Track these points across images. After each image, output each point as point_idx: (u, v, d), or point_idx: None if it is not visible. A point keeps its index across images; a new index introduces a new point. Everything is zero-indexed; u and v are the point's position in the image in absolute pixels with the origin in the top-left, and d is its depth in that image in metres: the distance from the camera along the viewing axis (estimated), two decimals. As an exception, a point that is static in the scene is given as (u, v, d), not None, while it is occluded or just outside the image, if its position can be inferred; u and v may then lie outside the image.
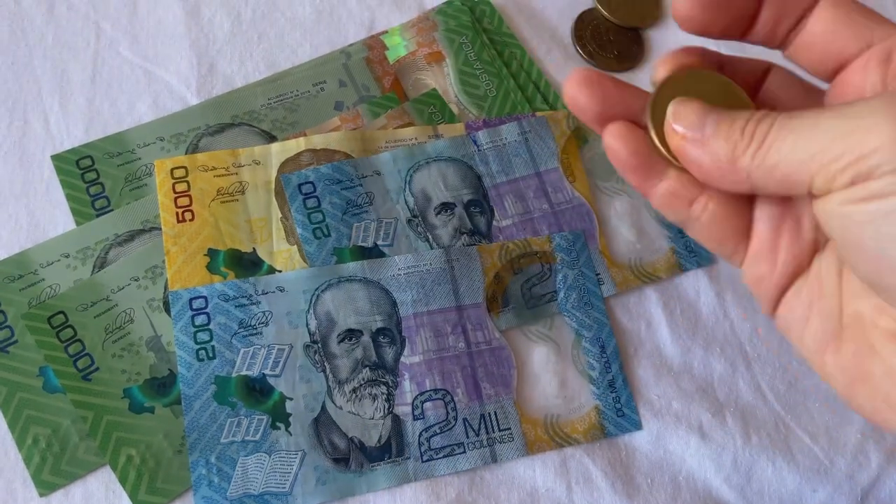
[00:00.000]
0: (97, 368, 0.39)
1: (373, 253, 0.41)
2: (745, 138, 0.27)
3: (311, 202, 0.41)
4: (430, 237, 0.42)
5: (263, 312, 0.39)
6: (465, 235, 0.42)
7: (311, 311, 0.40)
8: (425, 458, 0.38)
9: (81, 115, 0.45)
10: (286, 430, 0.38)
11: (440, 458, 0.38)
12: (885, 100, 0.25)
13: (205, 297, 0.39)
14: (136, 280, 0.40)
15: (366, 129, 0.45)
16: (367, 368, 0.39)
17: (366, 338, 0.40)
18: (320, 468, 0.37)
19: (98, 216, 0.42)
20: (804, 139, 0.26)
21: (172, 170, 0.42)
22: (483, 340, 0.41)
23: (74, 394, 0.38)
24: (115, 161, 0.43)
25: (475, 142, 0.45)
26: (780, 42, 0.30)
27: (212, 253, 0.41)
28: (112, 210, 0.42)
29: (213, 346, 0.38)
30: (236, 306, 0.39)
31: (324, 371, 0.39)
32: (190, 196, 0.42)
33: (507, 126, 0.45)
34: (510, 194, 0.44)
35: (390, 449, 0.38)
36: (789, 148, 0.26)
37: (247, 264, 0.41)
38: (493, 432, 0.39)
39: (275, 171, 0.43)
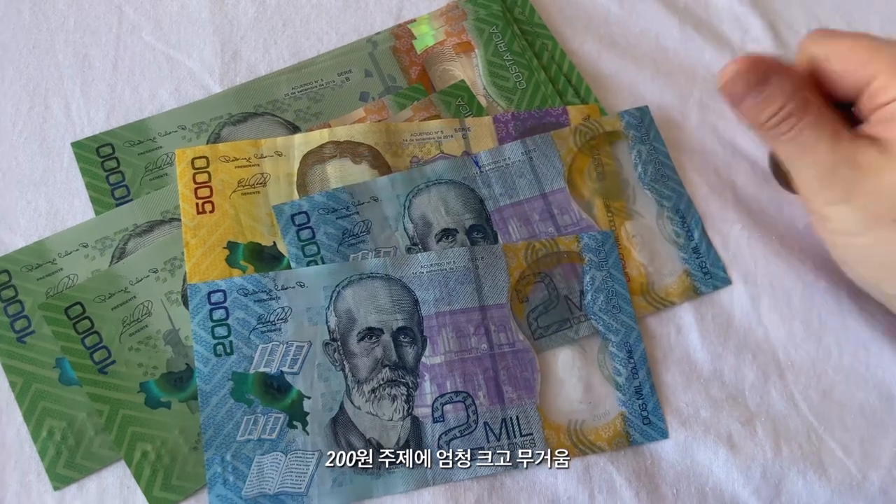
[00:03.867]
0: (114, 361, 0.38)
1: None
2: (772, 125, 0.34)
3: (305, 233, 0.40)
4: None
5: (283, 308, 0.38)
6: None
7: (332, 307, 0.39)
8: (444, 461, 0.37)
9: (103, 102, 0.44)
10: (303, 429, 0.37)
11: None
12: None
13: (223, 291, 0.38)
14: (154, 272, 0.40)
15: (391, 121, 0.44)
16: (387, 368, 0.38)
17: (386, 336, 0.39)
18: (337, 469, 0.37)
19: (118, 205, 0.41)
20: (804, 173, 0.34)
21: (193, 160, 0.41)
22: (506, 342, 0.39)
23: (90, 387, 0.37)
24: (136, 149, 0.43)
25: (476, 163, 0.43)
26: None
27: (231, 246, 0.40)
28: (132, 199, 0.42)
29: (230, 342, 0.38)
30: (255, 301, 0.38)
31: (343, 370, 0.38)
32: (210, 187, 0.41)
33: (509, 145, 0.43)
34: (514, 217, 0.42)
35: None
36: (798, 167, 0.34)
37: (267, 258, 0.40)
38: (515, 437, 0.38)
39: (297, 164, 0.42)
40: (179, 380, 0.38)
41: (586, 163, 0.44)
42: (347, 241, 0.40)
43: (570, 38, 0.49)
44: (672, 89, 0.48)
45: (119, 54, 0.46)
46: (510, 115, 0.45)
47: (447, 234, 0.41)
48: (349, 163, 0.42)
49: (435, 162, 0.43)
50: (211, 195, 0.41)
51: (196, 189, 0.41)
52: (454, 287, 0.40)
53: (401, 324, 0.39)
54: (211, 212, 0.40)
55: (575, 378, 0.40)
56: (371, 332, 0.38)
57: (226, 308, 0.38)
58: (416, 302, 0.39)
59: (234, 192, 0.41)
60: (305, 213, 0.40)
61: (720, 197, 0.45)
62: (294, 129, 0.44)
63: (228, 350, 0.38)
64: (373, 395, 0.38)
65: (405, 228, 0.41)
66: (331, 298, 0.39)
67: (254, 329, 0.38)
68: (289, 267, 0.40)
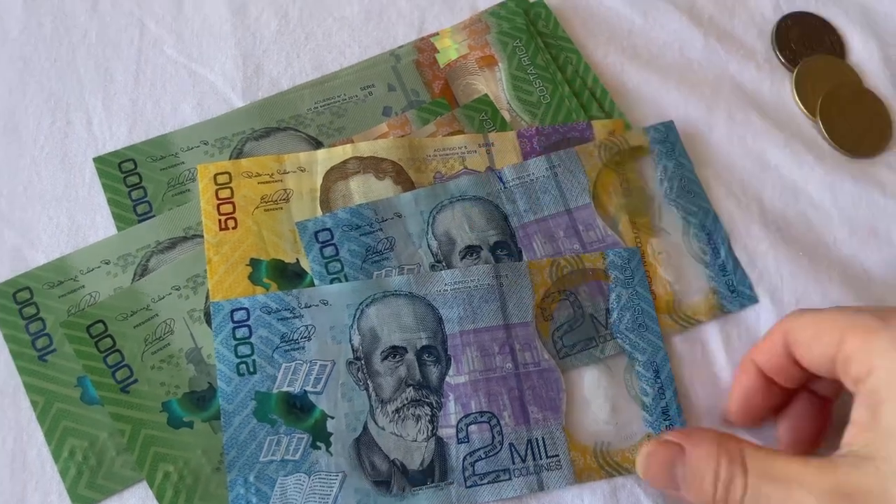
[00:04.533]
0: (136, 380, 0.38)
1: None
2: (719, 500, 0.31)
3: (329, 250, 0.40)
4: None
5: (306, 326, 0.38)
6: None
7: (355, 326, 0.38)
8: (469, 483, 0.37)
9: (125, 116, 0.44)
10: (327, 449, 0.36)
11: (485, 483, 0.37)
12: (822, 490, 0.29)
13: (247, 309, 0.38)
14: (176, 289, 0.39)
15: (414, 136, 0.44)
16: (411, 388, 0.38)
17: (410, 355, 0.38)
18: (361, 491, 0.36)
19: (140, 221, 0.41)
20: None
21: (216, 175, 0.41)
22: (531, 361, 0.39)
23: (112, 406, 0.37)
24: (158, 165, 0.42)
25: (500, 178, 0.42)
26: (797, 378, 0.36)
27: (254, 263, 0.40)
28: (154, 215, 0.41)
29: (254, 361, 0.37)
30: (279, 319, 0.38)
31: (366, 389, 0.37)
32: (233, 203, 0.41)
33: (534, 161, 0.43)
34: (539, 234, 0.41)
35: (433, 472, 0.37)
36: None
37: (290, 275, 0.40)
38: (541, 459, 0.37)
39: (320, 179, 0.42)
40: (202, 399, 0.38)
41: (611, 179, 0.44)
42: (371, 258, 0.40)
43: (594, 51, 0.49)
44: (697, 102, 0.48)
45: (141, 68, 0.46)
46: (534, 130, 0.44)
47: (471, 250, 0.41)
48: (372, 178, 0.42)
49: (458, 178, 0.42)
50: (234, 211, 0.40)
51: (219, 205, 0.40)
52: (478, 305, 0.39)
53: (425, 342, 0.38)
54: (234, 228, 0.40)
55: (601, 398, 0.39)
56: (395, 351, 0.38)
57: (249, 326, 0.38)
58: (440, 320, 0.39)
59: (256, 208, 0.41)
60: (329, 229, 0.40)
61: (747, 212, 0.45)
62: (317, 144, 0.44)
63: (252, 369, 0.37)
64: (397, 415, 0.37)
65: (429, 245, 0.41)
66: (354, 317, 0.38)
67: (277, 347, 0.37)
68: (312, 284, 0.39)
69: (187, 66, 0.46)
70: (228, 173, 0.41)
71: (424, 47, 0.47)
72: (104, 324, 0.38)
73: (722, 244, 0.43)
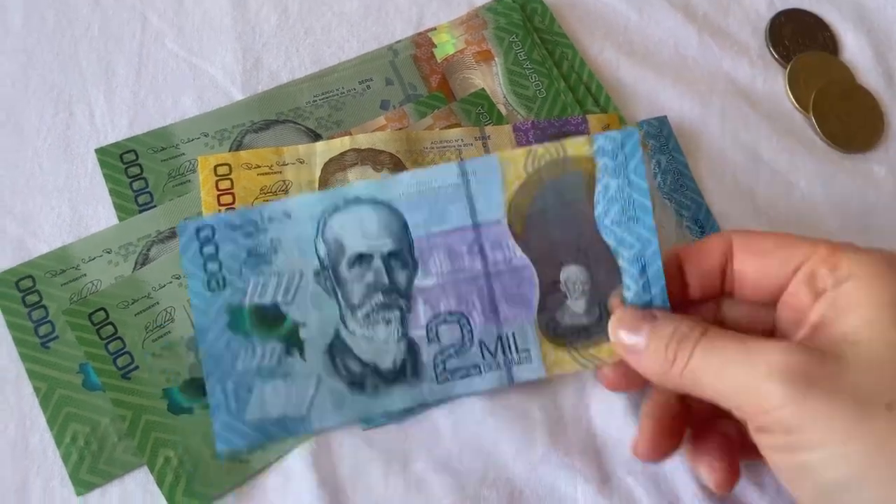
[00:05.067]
0: (137, 367, 0.38)
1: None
2: (669, 358, 0.31)
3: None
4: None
5: (271, 240, 0.37)
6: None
7: (320, 236, 0.38)
8: (440, 379, 0.37)
9: (126, 108, 0.45)
10: (300, 356, 0.37)
11: (455, 379, 0.37)
12: (783, 358, 0.28)
13: (212, 227, 0.37)
14: (177, 278, 0.40)
15: (411, 129, 0.44)
16: (380, 293, 0.38)
17: (377, 262, 0.38)
18: (336, 392, 0.37)
19: (141, 212, 0.42)
20: (718, 378, 0.30)
21: (216, 167, 0.42)
22: (502, 260, 0.38)
23: (114, 392, 0.38)
24: (159, 156, 0.43)
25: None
26: (719, 293, 0.35)
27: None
28: (155, 206, 0.42)
29: (223, 276, 0.37)
30: (244, 235, 0.37)
31: (335, 297, 0.38)
32: (233, 194, 0.41)
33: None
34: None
35: (405, 371, 0.37)
36: (708, 380, 0.30)
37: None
38: (511, 354, 0.38)
39: (319, 171, 0.42)
40: (202, 386, 0.38)
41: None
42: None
43: (590, 47, 0.49)
44: (691, 97, 0.48)
45: (142, 61, 0.46)
46: (530, 124, 0.45)
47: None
48: (370, 170, 0.43)
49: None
50: (233, 202, 0.41)
51: (219, 196, 0.41)
52: (444, 206, 0.38)
53: (391, 248, 0.38)
54: (233, 219, 0.41)
55: (578, 292, 0.38)
56: (361, 259, 0.38)
57: (215, 243, 0.37)
58: (405, 225, 0.38)
59: (256, 199, 0.41)
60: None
61: (740, 206, 0.45)
62: (316, 136, 0.44)
63: (222, 284, 0.37)
64: (367, 319, 0.38)
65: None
66: (318, 228, 0.38)
67: (244, 262, 0.37)
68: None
69: (188, 59, 0.46)
70: (228, 165, 0.42)
71: (422, 42, 0.48)
72: (106, 311, 0.39)
73: None
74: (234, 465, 0.37)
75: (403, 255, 0.38)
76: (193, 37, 0.47)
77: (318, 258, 0.38)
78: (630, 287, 0.37)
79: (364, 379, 0.37)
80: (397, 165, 0.43)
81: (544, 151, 0.37)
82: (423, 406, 0.39)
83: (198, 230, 0.37)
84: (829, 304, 0.30)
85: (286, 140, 0.44)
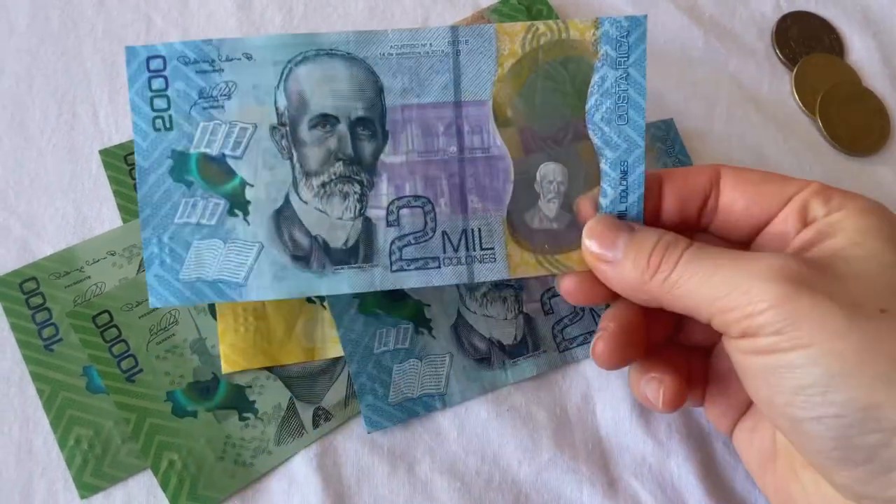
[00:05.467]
0: (141, 370, 0.38)
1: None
2: (652, 267, 0.30)
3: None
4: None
5: (226, 83, 0.34)
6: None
7: (282, 86, 0.34)
8: (395, 267, 0.34)
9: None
10: (244, 218, 0.34)
11: (411, 269, 0.35)
12: (777, 261, 0.27)
13: (163, 58, 0.33)
14: (181, 280, 0.40)
15: (417, 130, 0.44)
16: (341, 162, 0.34)
17: (342, 126, 0.34)
18: (278, 263, 0.34)
19: (145, 213, 0.42)
20: (706, 284, 0.29)
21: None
22: (479, 146, 0.34)
23: (118, 395, 0.37)
24: (163, 157, 0.43)
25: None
26: (696, 223, 0.34)
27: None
28: (159, 207, 0.42)
29: (170, 116, 0.34)
30: (197, 72, 0.34)
31: (290, 159, 0.34)
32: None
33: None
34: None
35: (357, 253, 0.34)
36: (692, 286, 0.29)
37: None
38: (474, 250, 0.35)
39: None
40: (206, 389, 0.38)
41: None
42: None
43: (596, 49, 0.49)
44: (697, 100, 0.48)
45: (147, 62, 0.46)
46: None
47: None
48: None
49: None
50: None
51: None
52: (426, 76, 0.34)
53: (360, 113, 0.34)
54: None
55: (552, 193, 0.35)
56: (325, 120, 0.34)
57: (165, 77, 0.34)
58: (380, 90, 0.34)
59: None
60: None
61: (746, 209, 0.45)
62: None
63: (168, 125, 0.34)
64: (322, 189, 0.34)
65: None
66: (281, 76, 0.34)
67: (195, 104, 0.34)
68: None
69: (193, 60, 0.46)
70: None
71: (427, 43, 0.47)
72: (110, 314, 0.39)
73: None
74: (238, 469, 0.37)
75: (373, 123, 0.34)
76: (198, 38, 0.47)
77: (277, 111, 0.34)
78: (607, 193, 0.34)
79: (310, 254, 0.34)
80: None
81: (546, 29, 0.34)
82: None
83: (148, 59, 0.33)
84: (816, 231, 0.30)
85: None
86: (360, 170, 0.34)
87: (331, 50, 0.34)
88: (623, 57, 0.34)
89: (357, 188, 0.34)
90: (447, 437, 0.39)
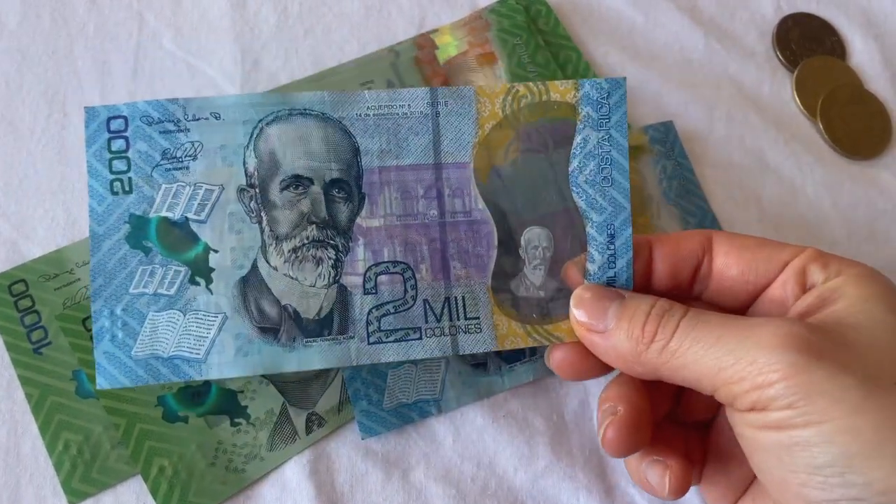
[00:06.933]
0: (131, 374, 0.37)
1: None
2: (647, 336, 0.29)
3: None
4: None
5: (192, 143, 0.32)
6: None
7: (252, 146, 0.32)
8: (372, 339, 0.32)
9: (122, 110, 0.44)
10: (206, 286, 0.32)
11: (390, 341, 0.32)
12: (784, 328, 0.26)
13: (125, 118, 0.32)
14: (173, 283, 0.39)
15: (413, 132, 0.43)
16: (314, 226, 0.32)
17: (316, 188, 0.32)
18: (243, 336, 0.32)
19: (136, 215, 0.41)
20: (709, 353, 0.27)
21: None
22: (461, 210, 0.33)
23: (107, 400, 0.37)
24: (155, 158, 0.42)
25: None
26: (688, 290, 0.33)
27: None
28: (150, 209, 0.41)
29: (129, 178, 0.32)
30: (161, 132, 0.32)
31: (259, 223, 0.32)
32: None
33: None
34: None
35: (331, 324, 0.32)
36: (694, 356, 0.27)
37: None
38: (458, 320, 0.33)
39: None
40: (197, 394, 0.38)
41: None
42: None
43: (594, 50, 0.49)
44: (697, 102, 0.48)
45: (139, 61, 0.45)
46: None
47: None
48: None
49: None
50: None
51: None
52: (405, 137, 0.33)
53: (335, 175, 0.32)
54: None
55: (538, 259, 0.34)
56: (298, 181, 0.32)
57: (126, 138, 0.32)
58: (356, 151, 0.33)
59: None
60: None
61: (745, 212, 0.45)
62: (315, 139, 0.43)
63: (127, 188, 0.32)
64: (294, 255, 0.32)
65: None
66: (252, 136, 0.32)
67: (157, 165, 0.32)
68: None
69: (186, 60, 0.46)
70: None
71: (424, 44, 0.47)
72: (100, 317, 0.38)
73: None
74: (229, 475, 0.36)
75: (349, 185, 0.33)
76: (191, 37, 0.46)
77: (246, 172, 0.32)
78: (594, 258, 0.33)
79: (279, 326, 0.32)
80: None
81: (526, 91, 0.33)
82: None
83: (109, 119, 0.32)
84: (817, 296, 0.29)
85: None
86: (334, 234, 0.33)
87: (304, 110, 0.33)
88: (604, 118, 0.33)
89: (331, 253, 0.32)
90: (442, 444, 0.38)
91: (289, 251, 0.32)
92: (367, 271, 0.33)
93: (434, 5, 0.48)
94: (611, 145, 0.33)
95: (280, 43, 0.47)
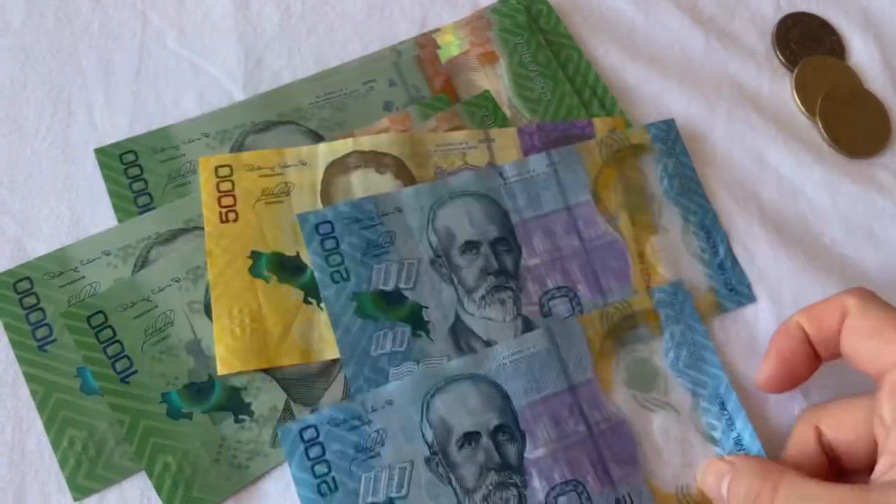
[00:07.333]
0: (135, 371, 0.38)
1: (394, 297, 0.39)
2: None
3: (329, 243, 0.40)
4: (454, 279, 0.40)
5: (377, 431, 0.37)
6: (491, 276, 0.40)
7: (425, 420, 0.37)
8: None
9: (126, 108, 0.44)
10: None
11: None
12: None
13: (314, 427, 0.36)
14: (177, 281, 0.39)
15: (415, 131, 0.44)
16: (493, 471, 0.37)
17: (485, 439, 0.37)
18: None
19: (140, 213, 0.41)
20: None
21: (217, 168, 0.41)
22: (602, 419, 0.38)
23: (112, 396, 0.37)
24: (159, 157, 0.42)
25: (501, 174, 0.42)
26: (832, 354, 0.36)
27: (255, 255, 0.40)
28: (155, 207, 0.41)
29: (333, 478, 0.36)
30: (349, 429, 0.37)
31: (450, 483, 0.36)
32: (234, 196, 0.41)
33: (534, 157, 0.43)
34: (539, 230, 0.42)
35: None
36: None
37: (290, 269, 0.40)
38: None
39: (321, 173, 0.42)
40: (201, 390, 0.38)
41: (612, 176, 0.44)
42: (372, 251, 0.40)
43: (595, 49, 0.49)
44: (697, 101, 0.48)
45: (143, 60, 0.46)
46: (535, 127, 0.45)
47: (471, 245, 0.41)
48: (373, 173, 0.42)
49: (460, 173, 0.42)
50: (234, 204, 0.40)
51: (220, 197, 0.40)
52: (540, 372, 0.38)
53: (496, 422, 0.37)
54: (234, 221, 0.40)
55: (673, 442, 0.39)
56: (469, 438, 0.37)
57: (321, 444, 0.36)
58: (506, 396, 0.38)
59: (257, 201, 0.41)
60: (329, 222, 0.40)
61: (746, 211, 0.45)
62: (318, 138, 0.44)
63: (333, 487, 0.36)
64: (485, 502, 0.36)
65: (429, 240, 0.41)
66: (422, 411, 0.37)
67: (353, 459, 0.36)
68: (312, 278, 0.39)
69: (189, 59, 0.46)
70: (229, 166, 0.41)
71: (426, 43, 0.47)
72: (104, 314, 0.38)
73: (721, 243, 0.43)
74: (233, 472, 0.37)
75: (510, 427, 0.37)
76: (195, 36, 0.46)
77: (427, 443, 0.37)
78: (716, 426, 0.39)
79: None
80: (400, 168, 0.42)
81: (615, 311, 0.40)
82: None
83: (301, 432, 0.36)
84: None
85: (288, 141, 0.43)
86: (511, 473, 0.37)
87: (456, 376, 0.38)
88: (678, 313, 0.41)
89: (514, 491, 0.36)
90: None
91: (480, 500, 0.36)
92: (546, 497, 0.36)
93: (436, 5, 0.49)
94: (693, 332, 0.40)
95: (283, 42, 0.47)
